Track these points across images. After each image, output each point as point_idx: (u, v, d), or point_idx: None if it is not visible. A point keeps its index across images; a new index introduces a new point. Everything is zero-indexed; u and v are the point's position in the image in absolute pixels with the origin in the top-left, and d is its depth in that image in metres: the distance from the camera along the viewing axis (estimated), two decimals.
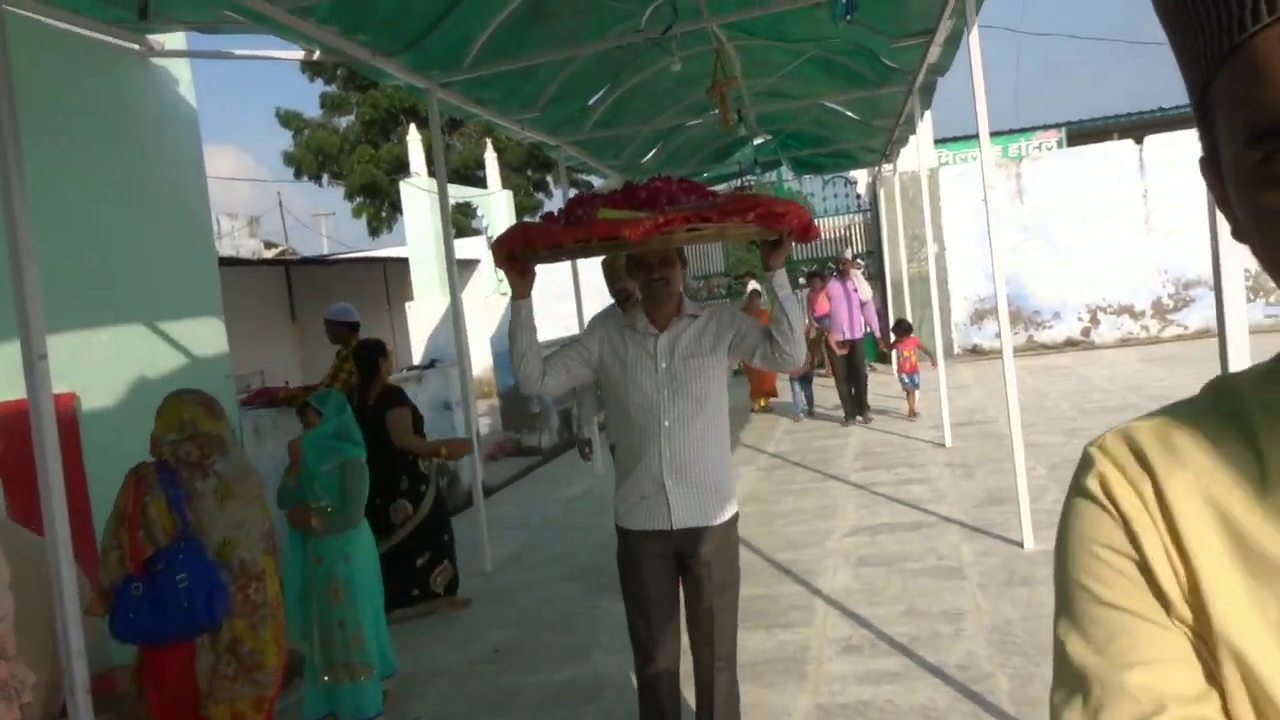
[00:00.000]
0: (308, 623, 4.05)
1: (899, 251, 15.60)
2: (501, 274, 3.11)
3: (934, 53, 7.20)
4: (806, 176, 16.48)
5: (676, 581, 3.06)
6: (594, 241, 2.70)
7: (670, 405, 2.94)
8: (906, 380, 10.28)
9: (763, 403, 12.31)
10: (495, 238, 2.91)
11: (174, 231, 5.75)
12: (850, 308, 10.57)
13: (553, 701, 4.22)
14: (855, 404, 10.48)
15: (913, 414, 10.27)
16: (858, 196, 17.05)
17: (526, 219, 3.68)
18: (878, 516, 6.57)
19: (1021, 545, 5.46)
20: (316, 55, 5.43)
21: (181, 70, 5.91)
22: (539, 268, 2.97)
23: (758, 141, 13.63)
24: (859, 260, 12.92)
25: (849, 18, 5.64)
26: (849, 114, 11.43)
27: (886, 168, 15.35)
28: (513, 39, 6.26)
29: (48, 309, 4.68)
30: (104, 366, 5.09)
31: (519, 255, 2.83)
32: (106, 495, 4.74)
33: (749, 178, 15.05)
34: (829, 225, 16.97)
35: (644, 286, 3.03)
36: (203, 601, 3.16)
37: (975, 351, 15.62)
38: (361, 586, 4.04)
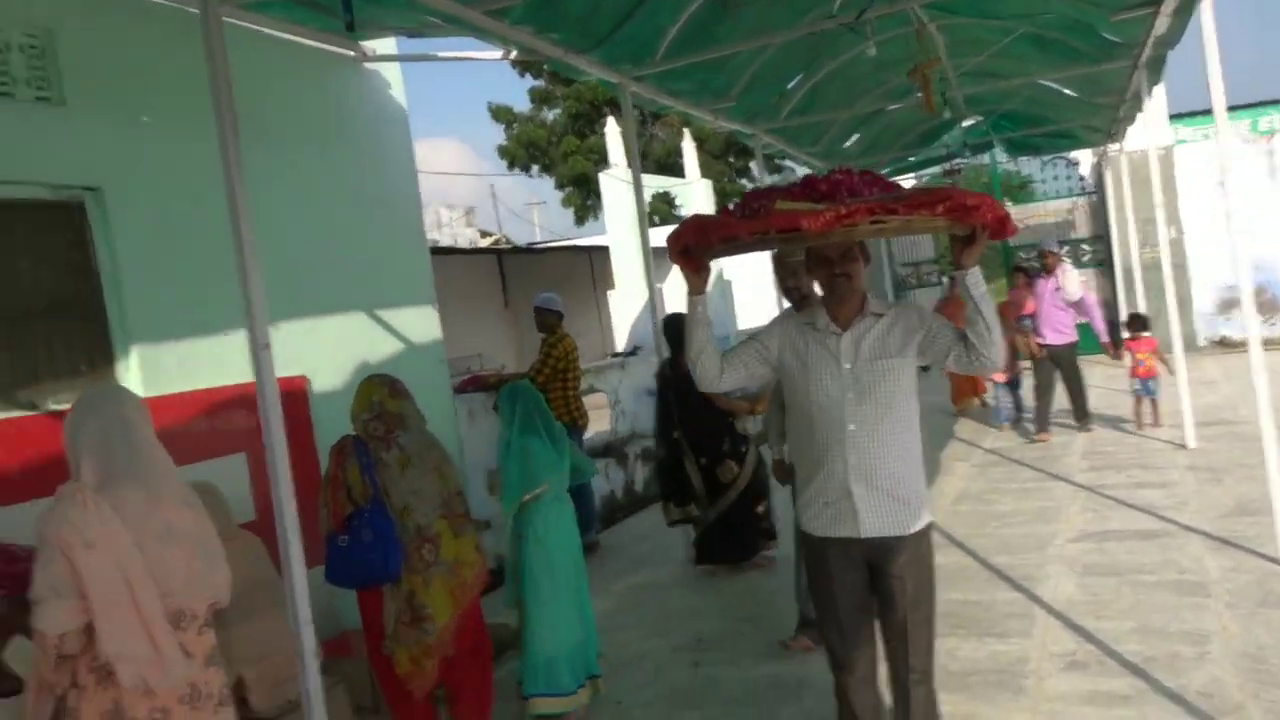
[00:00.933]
0: (520, 595, 4.14)
1: (1129, 237, 14.38)
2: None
3: (1161, 24, 6.52)
4: (1023, 159, 15.50)
5: (868, 589, 2.91)
6: (772, 234, 2.57)
7: (856, 408, 2.80)
8: (1139, 387, 8.81)
9: (973, 402, 11.10)
10: (670, 232, 2.80)
11: (388, 226, 6.05)
12: (1053, 307, 9.09)
13: (752, 697, 4.13)
14: (1077, 411, 9.17)
15: (1152, 424, 8.79)
16: (1081, 178, 15.85)
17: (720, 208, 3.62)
18: (1107, 522, 6.04)
19: (1278, 561, 4.85)
20: (513, 55, 5.56)
21: (393, 73, 6.21)
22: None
23: (967, 123, 12.94)
24: (1063, 253, 11.21)
25: None
26: (1067, 92, 10.61)
27: (1113, 147, 14.17)
28: (703, 31, 6.17)
29: (280, 301, 5.07)
30: (331, 352, 5.43)
31: (693, 250, 2.74)
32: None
33: (958, 161, 14.31)
34: (1049, 209, 15.88)
35: (825, 282, 2.86)
36: (380, 556, 3.58)
37: (1223, 344, 14.19)
38: (538, 568, 4.08)
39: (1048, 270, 9.28)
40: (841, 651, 2.95)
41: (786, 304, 3.93)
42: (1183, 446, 7.79)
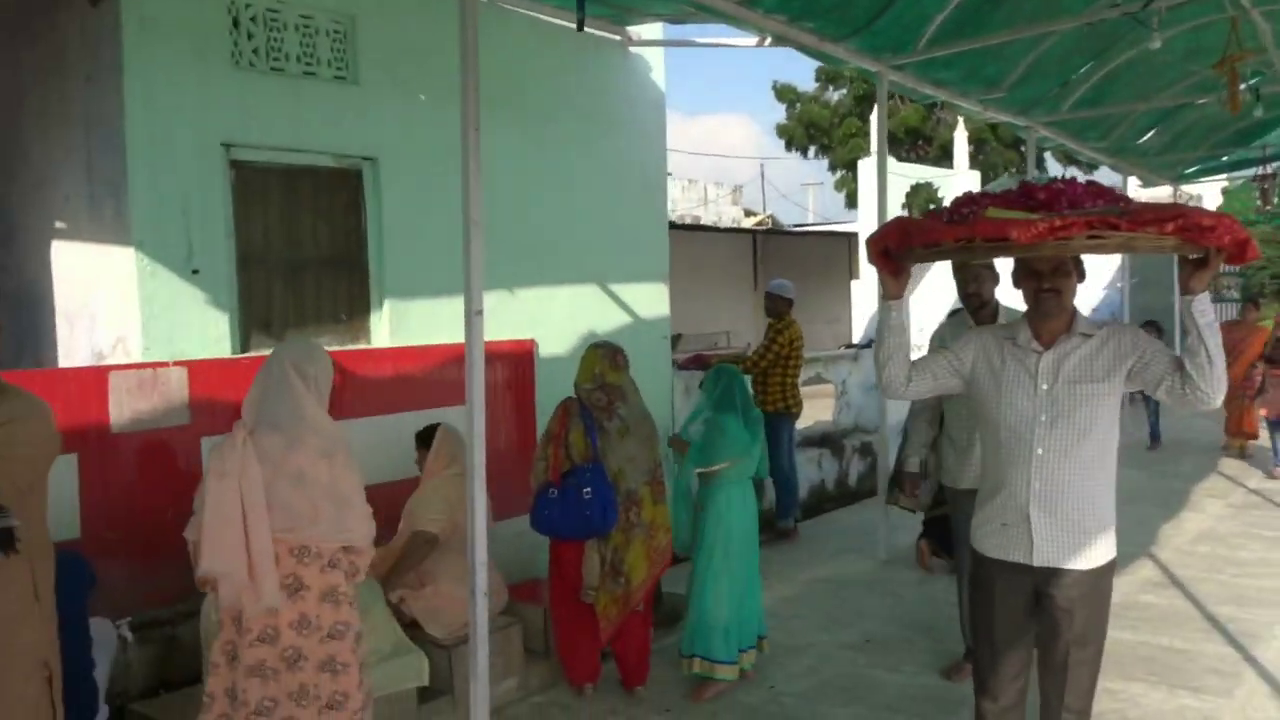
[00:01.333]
0: (693, 562, 4.39)
1: None
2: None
3: None
4: None
5: (1031, 616, 2.79)
6: (978, 242, 2.42)
7: (1047, 432, 2.65)
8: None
9: (1235, 444, 9.85)
10: (871, 233, 2.76)
11: (634, 203, 6.41)
12: None
13: (908, 705, 4.12)
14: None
15: None
16: None
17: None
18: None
19: None
20: (768, 42, 5.66)
21: (655, 57, 6.52)
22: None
23: None
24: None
25: None
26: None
27: None
28: (975, 16, 5.96)
29: (519, 269, 5.58)
30: (561, 319, 5.88)
31: (894, 252, 2.64)
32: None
33: (1277, 165, 12.69)
34: None
35: (1031, 297, 2.70)
36: (599, 512, 3.98)
37: None
38: (713, 542, 4.26)
39: None
40: (990, 676, 2.88)
41: (948, 311, 3.91)
42: None
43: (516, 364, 5.48)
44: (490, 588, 3.93)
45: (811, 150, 26.78)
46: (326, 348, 4.66)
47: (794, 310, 6.96)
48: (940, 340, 4.14)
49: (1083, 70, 7.86)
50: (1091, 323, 2.74)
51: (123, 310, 4.13)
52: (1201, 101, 9.50)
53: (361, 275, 4.93)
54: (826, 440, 8.27)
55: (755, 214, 20.21)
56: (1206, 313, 2.48)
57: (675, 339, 10.25)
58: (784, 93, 26.82)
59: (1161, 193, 14.24)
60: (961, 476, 4.10)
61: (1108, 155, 11.28)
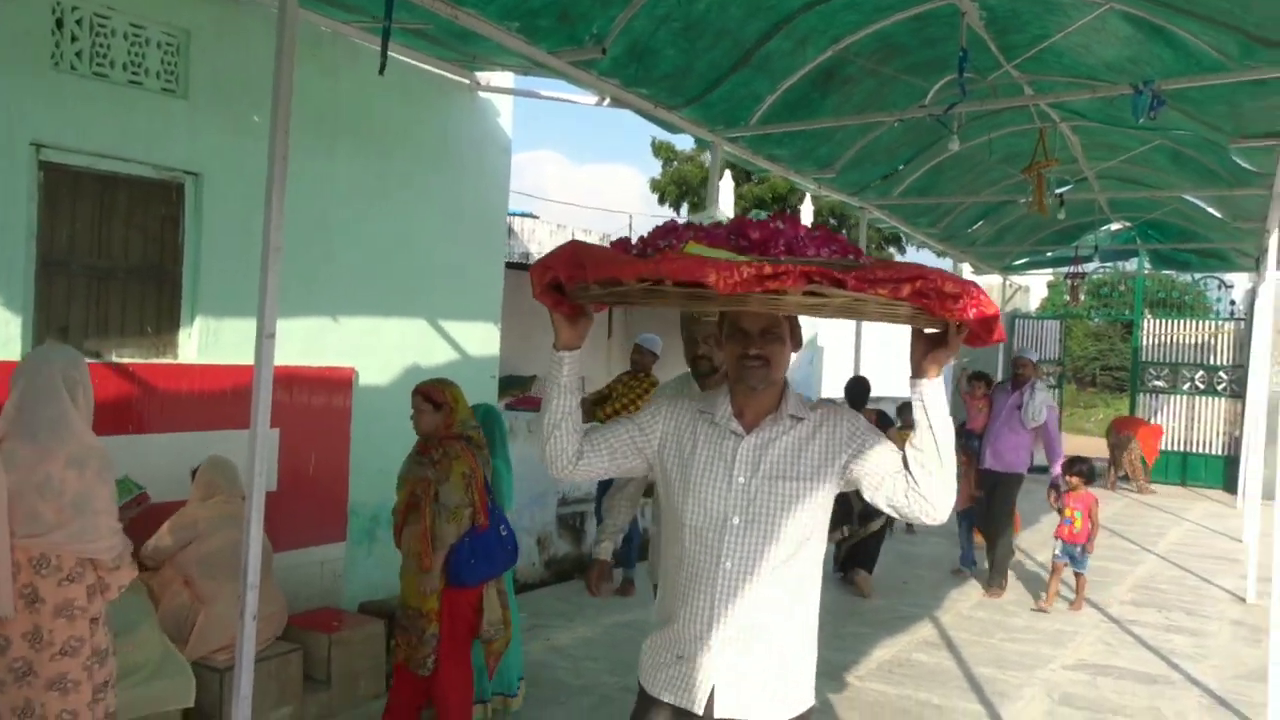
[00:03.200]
0: None
1: (1273, 370, 13.55)
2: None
3: None
4: (1168, 273, 14.87)
5: None
6: (668, 285, 1.85)
7: (739, 540, 2.12)
8: (1060, 552, 6.97)
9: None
10: (537, 261, 2.08)
11: (472, 243, 6.52)
12: (1006, 427, 7.39)
13: None
14: (992, 567, 7.41)
15: (1072, 605, 6.91)
16: (1232, 302, 15.05)
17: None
18: (1115, 658, 5.85)
19: None
20: (605, 102, 5.91)
21: (504, 103, 6.70)
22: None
23: (1113, 228, 12.57)
24: (1040, 367, 9.53)
25: (1153, 113, 5.15)
26: (1211, 211, 10.24)
27: (1274, 273, 13.40)
28: (804, 101, 6.39)
29: (349, 298, 5.60)
30: (387, 351, 5.90)
31: (567, 288, 2.05)
32: (362, 454, 5.55)
33: (1094, 266, 13.84)
34: (1189, 329, 15.14)
35: (734, 364, 2.18)
36: (513, 547, 4.04)
37: None
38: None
39: (1017, 383, 7.56)
40: None
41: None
42: (1241, 600, 7.38)
43: (333, 391, 5.48)
44: (266, 611, 3.94)
45: (684, 207, 27.52)
46: (129, 360, 4.64)
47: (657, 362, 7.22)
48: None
49: (911, 161, 8.46)
50: (804, 402, 2.25)
51: None
52: (1024, 200, 10.37)
53: (173, 289, 4.85)
54: (652, 489, 8.48)
55: None
56: (941, 404, 2.05)
57: (530, 380, 10.35)
58: (661, 149, 27.57)
59: (992, 280, 15.26)
60: None
61: (938, 241, 12.06)
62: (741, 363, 2.15)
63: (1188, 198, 9.96)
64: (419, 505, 3.82)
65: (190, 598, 4.11)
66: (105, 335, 4.62)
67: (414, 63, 5.93)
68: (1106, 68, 6.09)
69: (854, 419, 2.22)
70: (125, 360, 4.64)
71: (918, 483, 2.07)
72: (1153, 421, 14.77)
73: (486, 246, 6.69)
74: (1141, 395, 15.40)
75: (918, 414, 2.06)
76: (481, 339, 6.62)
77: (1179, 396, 15.10)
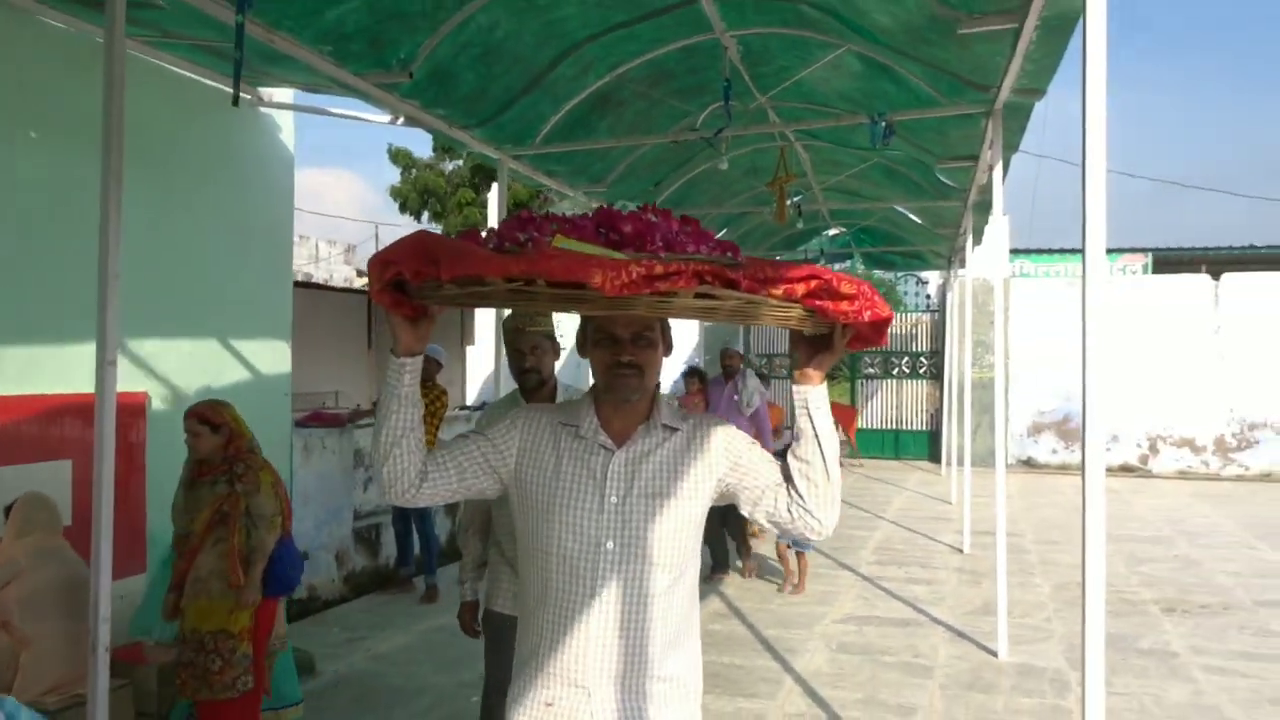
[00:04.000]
0: None
1: (964, 355, 15.74)
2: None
3: (982, 176, 7.56)
4: (877, 272, 16.80)
5: None
6: (540, 285, 1.60)
7: (615, 567, 1.90)
8: (780, 535, 6.18)
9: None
10: (374, 254, 1.80)
11: (259, 260, 6.41)
12: (727, 419, 7.10)
13: None
14: (738, 549, 7.84)
15: (795, 588, 7.21)
16: (928, 296, 17.27)
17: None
18: (873, 609, 6.78)
19: (995, 654, 5.63)
20: (400, 122, 6.05)
21: (285, 119, 6.63)
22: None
23: (832, 233, 14.08)
24: (748, 358, 10.50)
25: (886, 140, 6.06)
26: (914, 218, 11.81)
27: (962, 271, 15.58)
28: (582, 122, 6.84)
29: (133, 317, 5.39)
30: (176, 373, 5.71)
31: (411, 287, 1.75)
32: (158, 481, 5.35)
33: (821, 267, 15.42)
34: (897, 321, 17.20)
35: (603, 373, 1.97)
36: (301, 561, 4.16)
37: (1029, 464, 15.55)
38: None
39: (728, 374, 8.04)
40: None
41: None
42: (960, 550, 8.70)
43: (128, 417, 5.26)
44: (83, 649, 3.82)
45: (425, 215, 27.25)
46: None
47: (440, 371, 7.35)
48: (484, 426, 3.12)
49: (669, 175, 9.17)
50: (676, 412, 2.05)
51: None
52: (764, 210, 11.45)
53: None
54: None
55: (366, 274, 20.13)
56: (824, 410, 1.90)
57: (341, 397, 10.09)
58: (399, 157, 27.13)
59: None
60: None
61: None
62: (612, 372, 1.93)
63: (897, 208, 11.43)
64: (225, 522, 3.82)
65: (8, 640, 3.90)
66: None
67: (195, 77, 5.78)
68: (840, 96, 7.00)
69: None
70: None
71: (802, 496, 1.90)
72: (855, 404, 16.67)
73: (274, 263, 6.60)
74: (858, 381, 17.27)
75: (802, 422, 1.90)
76: (273, 357, 6.52)
77: (889, 381, 17.09)
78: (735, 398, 7.86)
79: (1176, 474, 14.78)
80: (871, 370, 17.23)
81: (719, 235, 13.10)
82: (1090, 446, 3.02)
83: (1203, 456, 14.80)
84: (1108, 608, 6.61)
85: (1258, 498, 12.63)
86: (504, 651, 3.22)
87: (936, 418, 16.33)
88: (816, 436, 1.89)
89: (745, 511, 1.99)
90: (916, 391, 16.96)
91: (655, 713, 1.91)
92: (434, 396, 7.28)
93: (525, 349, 3.20)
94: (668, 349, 2.01)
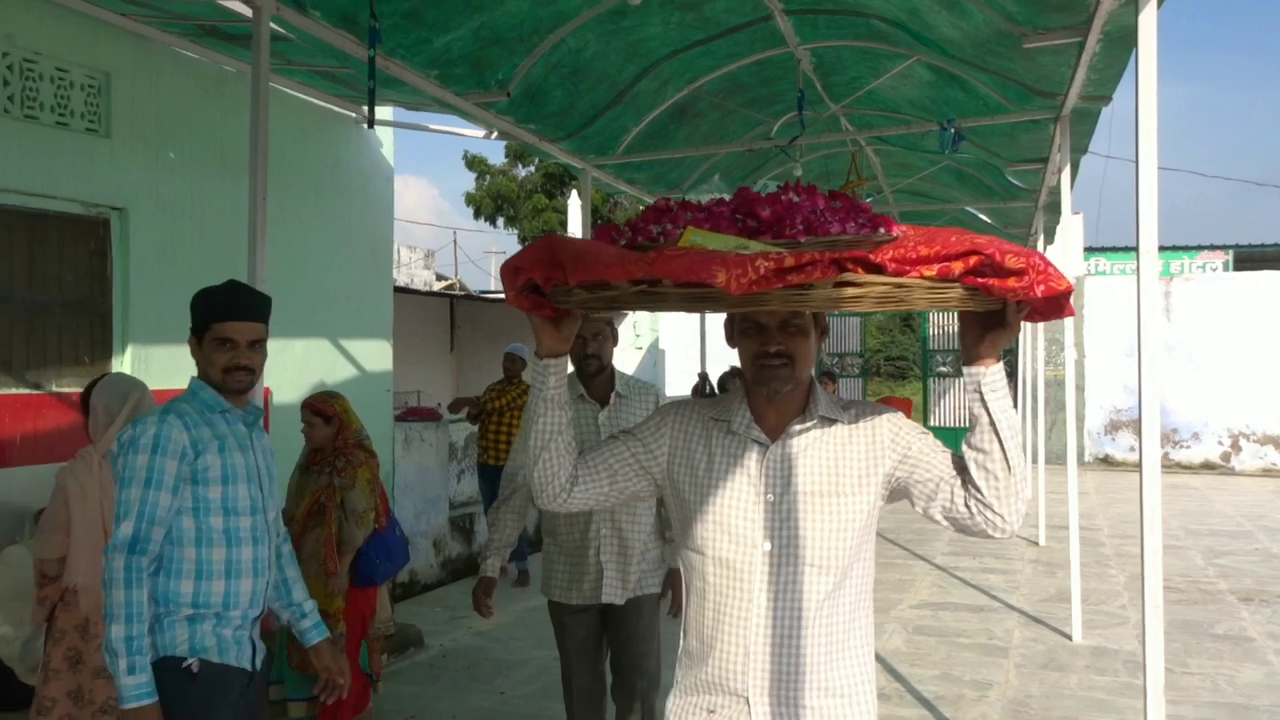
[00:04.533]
0: None
1: (1038, 353, 15.69)
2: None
3: (1052, 178, 7.71)
4: None
5: None
6: (667, 286, 1.53)
7: (774, 570, 1.78)
8: None
9: None
10: (508, 259, 1.75)
11: (363, 267, 6.91)
12: None
13: None
14: None
15: None
16: None
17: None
18: (948, 596, 6.99)
19: (1070, 638, 5.82)
20: (494, 136, 6.49)
21: (386, 135, 7.13)
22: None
23: None
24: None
25: (956, 146, 6.29)
26: (985, 219, 11.91)
27: None
28: (661, 132, 7.19)
29: None
30: (294, 370, 6.22)
31: (547, 290, 1.69)
32: (280, 469, 5.84)
33: None
34: None
35: (750, 365, 1.83)
36: (406, 543, 4.34)
37: (1106, 461, 15.44)
38: None
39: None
40: None
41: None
42: (1035, 543, 8.84)
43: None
44: None
45: (500, 220, 27.95)
46: (67, 389, 4.81)
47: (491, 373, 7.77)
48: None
49: (743, 180, 9.48)
50: (835, 401, 1.91)
51: None
52: None
53: (105, 320, 5.05)
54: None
55: (447, 278, 20.84)
56: (1001, 393, 1.71)
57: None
58: (475, 163, 27.88)
59: None
60: (573, 589, 3.31)
61: None
62: (759, 364, 1.79)
63: (968, 209, 11.55)
64: (323, 512, 4.05)
65: None
66: (45, 365, 4.78)
67: (307, 98, 6.29)
68: (910, 104, 7.24)
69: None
70: (65, 389, 4.81)
71: (980, 490, 1.72)
72: (928, 402, 16.74)
73: (376, 269, 7.10)
74: (931, 380, 17.31)
75: (975, 409, 1.72)
76: (377, 356, 7.01)
77: (961, 380, 17.10)
78: None
79: (1259, 471, 14.56)
80: (944, 369, 17.25)
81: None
82: (1147, 439, 3.23)
83: None
84: (1185, 597, 6.80)
85: None
86: (568, 646, 3.37)
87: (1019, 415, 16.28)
88: (993, 424, 1.69)
89: (919, 509, 1.82)
90: None
91: None
92: (520, 391, 7.70)
93: (587, 335, 3.21)
94: (823, 333, 1.87)
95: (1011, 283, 1.52)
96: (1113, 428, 15.50)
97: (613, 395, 3.31)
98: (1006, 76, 5.81)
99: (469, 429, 8.19)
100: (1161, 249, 18.80)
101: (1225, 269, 19.23)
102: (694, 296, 1.55)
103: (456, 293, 16.92)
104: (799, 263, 1.46)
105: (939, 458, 1.80)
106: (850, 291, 1.52)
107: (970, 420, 1.75)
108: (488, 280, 32.91)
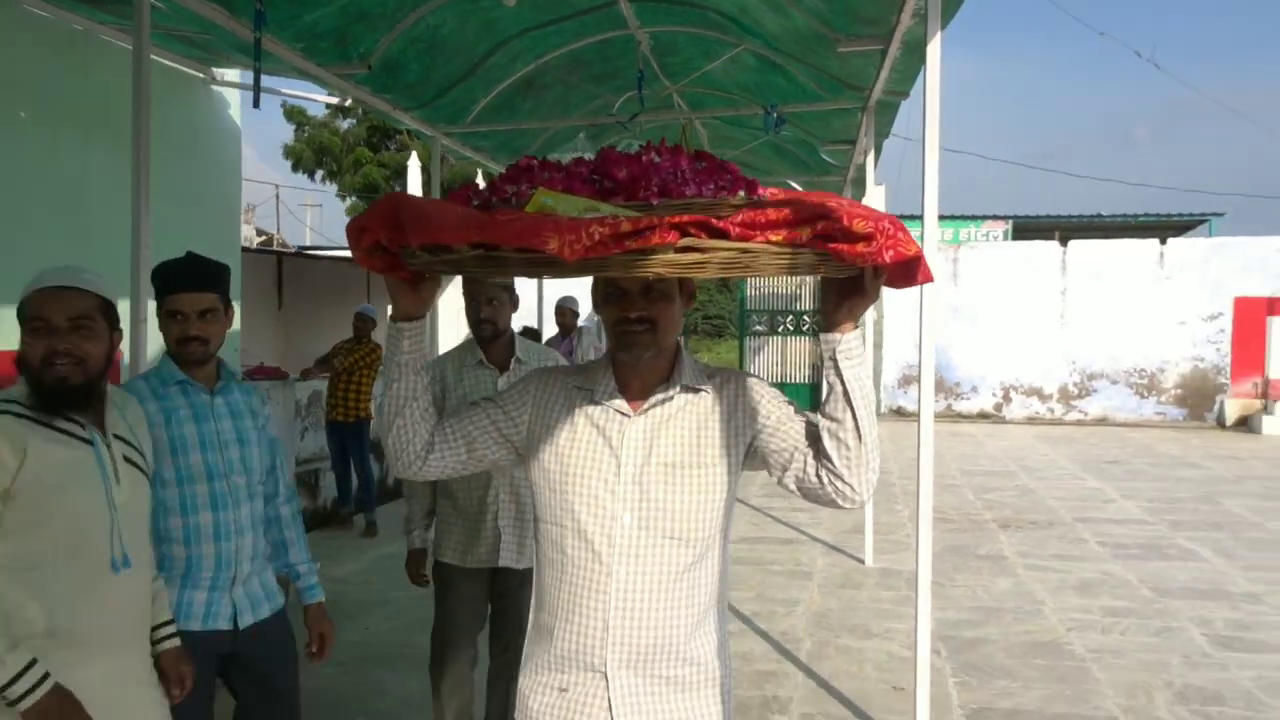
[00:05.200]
0: None
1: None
2: None
3: (859, 158, 8.65)
4: None
5: None
6: (506, 251, 1.47)
7: (632, 542, 1.75)
8: None
9: None
10: (353, 219, 1.66)
11: (209, 225, 7.01)
12: None
13: None
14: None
15: None
16: None
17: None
18: (763, 532, 7.89)
19: (863, 562, 6.80)
20: (348, 102, 6.72)
21: (234, 96, 7.19)
22: None
23: None
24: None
25: (778, 130, 7.03)
26: (800, 190, 12.96)
27: None
28: (507, 103, 7.60)
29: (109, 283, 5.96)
30: (150, 336, 6.30)
31: (393, 250, 1.64)
32: None
33: None
34: (783, 281, 18.44)
35: (613, 329, 1.80)
36: None
37: (899, 413, 17.08)
38: None
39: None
40: None
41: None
42: None
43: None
44: None
45: (320, 174, 27.20)
46: None
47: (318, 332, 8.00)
48: (438, 381, 3.30)
49: (585, 151, 9.99)
50: (700, 369, 1.87)
51: None
52: None
53: None
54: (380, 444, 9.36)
55: (268, 233, 20.25)
56: (858, 361, 1.68)
57: None
58: (294, 114, 26.93)
59: None
60: (469, 553, 3.38)
61: None
62: (620, 329, 1.75)
63: (789, 182, 12.54)
64: None
65: None
66: None
67: (158, 59, 6.31)
68: (739, 87, 7.94)
69: (758, 384, 1.83)
70: None
71: (832, 460, 1.69)
72: (744, 360, 17.94)
73: (224, 231, 7.20)
74: (748, 339, 18.50)
75: (830, 377, 1.69)
76: None
77: (775, 338, 18.37)
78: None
79: (1025, 420, 16.55)
80: (759, 328, 18.46)
81: None
82: (924, 393, 4.03)
83: (1049, 404, 16.60)
84: (956, 526, 7.98)
85: (1091, 439, 14.40)
86: (451, 602, 3.39)
87: (818, 371, 17.69)
88: (846, 393, 1.66)
89: (775, 478, 1.80)
90: (800, 347, 18.27)
91: (677, 699, 1.76)
92: (368, 349, 7.99)
93: (482, 300, 3.25)
94: (688, 300, 1.81)
95: (860, 248, 1.48)
96: (905, 381, 17.15)
97: (512, 361, 3.35)
98: (822, 70, 6.59)
99: (314, 387, 8.40)
100: (949, 218, 20.80)
101: (1005, 237, 21.40)
102: (534, 261, 1.48)
103: (285, 249, 16.54)
104: (636, 228, 1.41)
105: (794, 426, 1.77)
106: (694, 257, 1.46)
107: (825, 389, 1.72)
108: (305, 234, 31.96)
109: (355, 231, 1.65)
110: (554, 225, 1.40)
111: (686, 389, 1.81)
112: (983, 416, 16.79)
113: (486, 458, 1.86)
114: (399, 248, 1.60)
